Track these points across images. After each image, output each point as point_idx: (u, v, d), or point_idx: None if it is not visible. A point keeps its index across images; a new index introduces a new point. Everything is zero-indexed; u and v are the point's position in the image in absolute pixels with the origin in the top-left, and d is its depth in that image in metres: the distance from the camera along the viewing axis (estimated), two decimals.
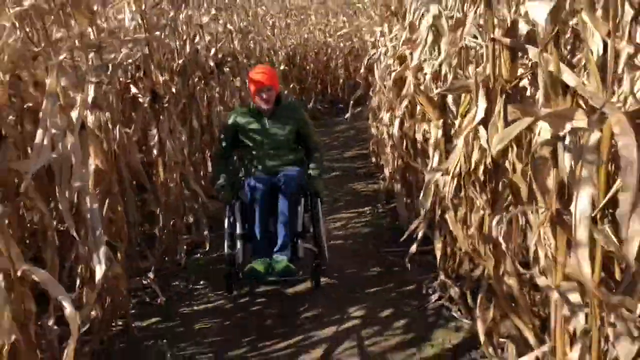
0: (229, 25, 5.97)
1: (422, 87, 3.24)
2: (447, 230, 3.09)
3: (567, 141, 1.46)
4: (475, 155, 2.41)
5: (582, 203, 1.32)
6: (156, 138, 3.61)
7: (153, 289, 3.39)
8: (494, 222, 1.79)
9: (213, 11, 5.58)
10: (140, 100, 3.59)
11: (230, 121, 3.56)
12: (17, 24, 2.28)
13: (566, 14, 1.82)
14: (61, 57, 2.34)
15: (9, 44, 2.22)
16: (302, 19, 11.34)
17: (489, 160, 2.20)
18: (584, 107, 1.53)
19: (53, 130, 2.22)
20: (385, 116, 4.60)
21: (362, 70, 6.55)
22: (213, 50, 5.32)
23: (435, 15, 2.96)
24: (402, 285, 3.43)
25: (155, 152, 3.71)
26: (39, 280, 1.71)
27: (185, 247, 3.95)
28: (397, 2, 4.43)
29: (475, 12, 2.31)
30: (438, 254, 3.16)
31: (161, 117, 3.62)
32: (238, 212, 3.42)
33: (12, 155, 2.08)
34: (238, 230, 3.38)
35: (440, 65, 2.92)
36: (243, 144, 3.56)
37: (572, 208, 1.34)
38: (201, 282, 3.63)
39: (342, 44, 11.13)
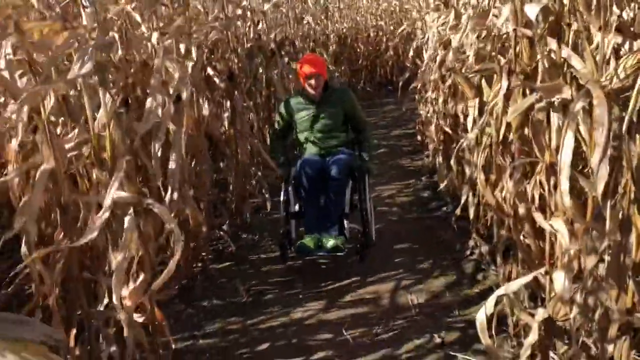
0: (287, 11, 6.51)
1: (462, 70, 3.69)
2: (480, 196, 3.56)
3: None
4: (503, 129, 2.87)
5: (566, 154, 1.80)
6: (229, 112, 4.19)
7: (226, 240, 3.99)
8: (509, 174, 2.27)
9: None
10: (216, 79, 4.18)
11: (283, 106, 3.86)
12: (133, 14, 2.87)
13: (568, 12, 2.24)
14: (167, 42, 2.93)
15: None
16: (354, 3, 11.74)
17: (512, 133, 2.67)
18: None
19: (158, 100, 2.80)
20: (430, 95, 5.06)
21: (411, 54, 6.98)
22: (273, 35, 5.87)
23: (474, 5, 3.42)
24: (439, 244, 3.93)
25: (226, 125, 4.30)
26: (157, 212, 2.30)
27: (250, 208, 4.54)
28: None
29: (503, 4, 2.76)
30: (471, 216, 3.63)
31: (235, 93, 4.20)
32: (292, 192, 3.71)
33: (132, 118, 2.67)
34: (292, 209, 3.69)
35: (473, 48, 3.35)
36: (296, 127, 3.85)
37: (558, 157, 1.81)
38: (265, 236, 4.22)
39: (392, 28, 11.48)
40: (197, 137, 3.32)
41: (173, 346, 2.54)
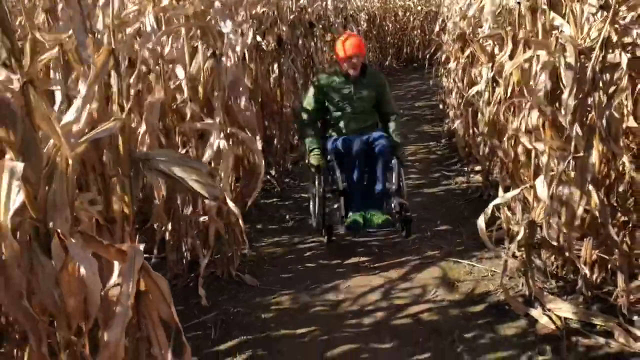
0: None
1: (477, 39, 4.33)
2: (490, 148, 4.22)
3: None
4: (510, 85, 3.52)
5: (541, 97, 2.46)
6: (277, 72, 4.89)
7: (272, 182, 4.72)
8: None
9: None
10: (264, 46, 4.86)
11: (316, 85, 3.79)
12: None
13: None
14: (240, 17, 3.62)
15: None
16: None
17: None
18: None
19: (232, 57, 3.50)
20: (452, 66, 5.69)
21: (436, 29, 7.58)
22: (310, 10, 6.53)
23: None
24: (452, 189, 4.61)
25: (272, 84, 5.00)
26: (242, 138, 3.02)
27: (291, 158, 5.26)
28: None
29: None
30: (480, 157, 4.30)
31: (282, 57, 4.89)
32: (337, 170, 3.60)
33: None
34: (340, 186, 3.57)
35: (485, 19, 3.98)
36: (330, 107, 3.78)
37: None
38: (304, 180, 4.93)
39: (420, 8, 12.02)
40: (254, 89, 4.03)
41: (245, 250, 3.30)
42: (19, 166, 1.29)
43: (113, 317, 1.50)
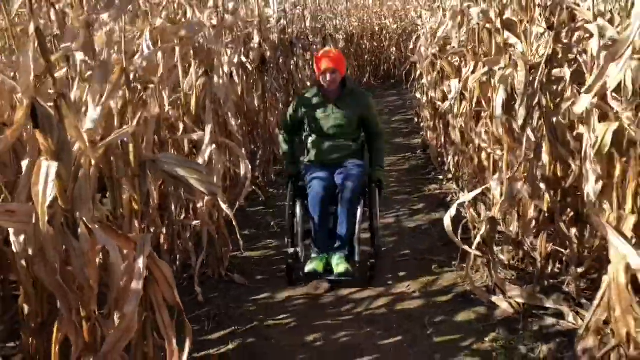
0: (302, 10, 7.52)
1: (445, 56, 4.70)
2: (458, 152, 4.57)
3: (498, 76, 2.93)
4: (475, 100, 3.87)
5: (498, 102, 2.80)
6: (260, 90, 5.20)
7: (257, 191, 4.99)
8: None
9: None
10: (248, 65, 5.18)
11: (297, 101, 3.67)
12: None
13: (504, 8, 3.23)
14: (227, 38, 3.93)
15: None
16: (361, 3, 12.76)
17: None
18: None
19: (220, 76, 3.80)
20: (425, 80, 6.06)
21: (410, 47, 7.98)
22: (291, 30, 6.89)
23: (454, 6, 4.42)
24: (426, 195, 4.94)
25: (256, 100, 5.31)
26: (230, 147, 3.31)
27: (274, 170, 5.55)
28: None
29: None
30: (451, 165, 4.64)
31: (265, 76, 5.21)
32: (300, 211, 3.50)
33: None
34: (299, 229, 3.45)
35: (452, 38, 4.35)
36: (306, 127, 3.64)
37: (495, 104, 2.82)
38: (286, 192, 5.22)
39: (395, 26, 12.49)
40: (241, 105, 4.34)
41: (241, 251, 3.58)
42: (54, 166, 1.57)
43: (128, 293, 1.77)
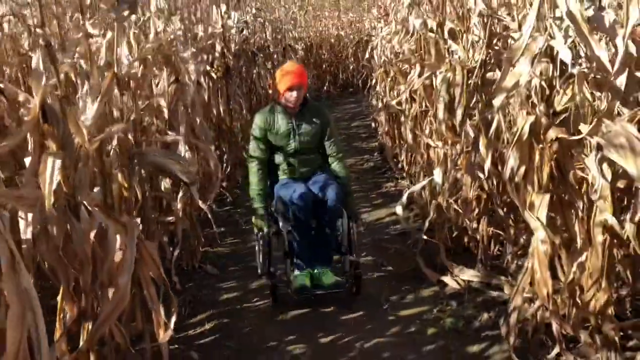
0: (264, 21, 7.86)
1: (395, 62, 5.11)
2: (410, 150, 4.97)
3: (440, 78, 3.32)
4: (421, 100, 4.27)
5: (441, 102, 3.19)
6: (225, 96, 5.49)
7: (224, 193, 5.27)
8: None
9: (254, 11, 7.46)
10: (212, 74, 5.46)
11: (259, 123, 3.42)
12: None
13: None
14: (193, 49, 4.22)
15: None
16: (319, 15, 13.20)
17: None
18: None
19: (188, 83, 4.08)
20: (379, 87, 6.47)
21: (366, 56, 8.41)
22: (252, 40, 7.21)
23: (404, 16, 4.83)
24: (382, 192, 5.32)
25: (222, 107, 5.60)
26: (201, 148, 3.60)
27: (241, 173, 5.84)
28: (387, 4, 6.30)
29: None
30: (404, 164, 5.03)
31: (229, 84, 5.51)
32: (283, 230, 3.27)
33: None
34: (285, 247, 3.28)
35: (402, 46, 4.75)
36: (271, 147, 3.46)
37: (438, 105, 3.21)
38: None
39: (352, 37, 12.95)
40: (208, 111, 4.62)
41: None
42: (60, 156, 1.84)
43: (122, 267, 2.05)
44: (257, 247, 3.53)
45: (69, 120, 1.90)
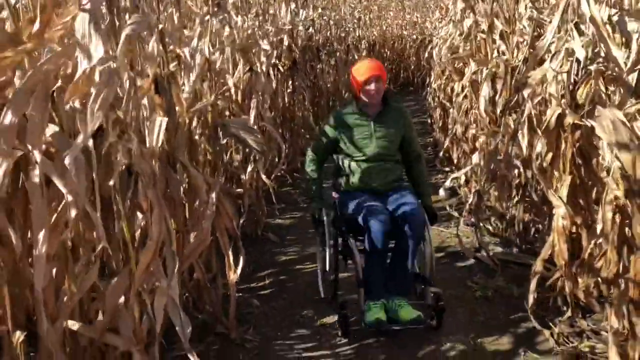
0: (328, 19, 8.34)
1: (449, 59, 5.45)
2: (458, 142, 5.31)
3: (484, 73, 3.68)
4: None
5: (483, 94, 3.55)
6: (291, 88, 6.00)
7: (285, 175, 5.78)
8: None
9: (320, 10, 7.96)
10: (280, 67, 5.98)
11: (333, 119, 3.17)
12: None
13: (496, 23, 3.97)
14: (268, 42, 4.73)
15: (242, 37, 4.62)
16: (383, 14, 13.59)
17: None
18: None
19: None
20: (435, 85, 6.81)
21: (426, 55, 8.75)
22: (317, 37, 7.70)
23: (459, 18, 5.17)
24: (432, 181, 5.68)
25: (287, 99, 6.11)
26: (268, 130, 4.09)
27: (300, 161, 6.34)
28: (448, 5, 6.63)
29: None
30: (455, 158, 5.38)
31: (295, 76, 6.02)
32: (354, 252, 2.92)
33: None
34: (359, 274, 2.90)
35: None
36: (342, 150, 3.14)
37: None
38: None
39: (415, 37, 13.26)
40: (273, 101, 5.15)
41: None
42: (165, 120, 2.36)
43: (205, 215, 2.56)
44: (319, 266, 3.32)
45: (173, 92, 2.41)
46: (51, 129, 1.58)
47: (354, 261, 2.94)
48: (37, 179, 1.46)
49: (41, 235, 1.44)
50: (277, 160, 4.67)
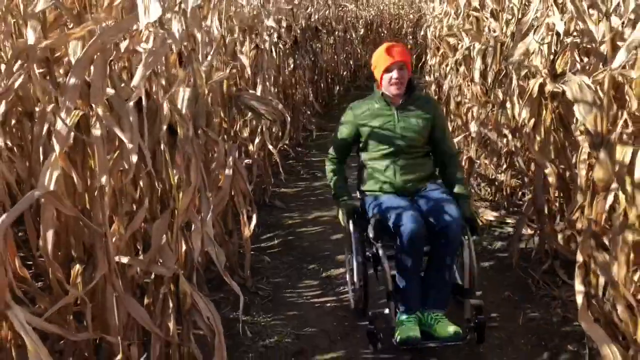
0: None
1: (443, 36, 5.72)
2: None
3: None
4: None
5: (477, 72, 3.84)
6: (292, 66, 6.27)
7: (288, 150, 6.08)
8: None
9: None
10: (281, 46, 6.24)
11: (349, 115, 2.87)
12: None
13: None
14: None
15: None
16: None
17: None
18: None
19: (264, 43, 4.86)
20: (430, 62, 7.08)
21: (421, 33, 9.00)
22: (316, 17, 7.94)
23: None
24: None
25: (287, 72, 6.37)
26: (279, 108, 4.39)
27: (302, 135, 6.64)
28: None
29: None
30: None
31: (296, 53, 6.28)
32: (383, 260, 2.57)
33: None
34: (389, 286, 2.56)
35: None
36: (364, 146, 2.87)
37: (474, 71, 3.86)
38: (312, 152, 6.29)
39: (411, 16, 13.48)
40: (275, 77, 5.43)
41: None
42: (188, 90, 2.65)
43: (225, 176, 2.86)
44: (347, 274, 3.10)
45: (194, 66, 2.70)
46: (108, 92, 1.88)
47: (382, 270, 2.60)
48: (99, 132, 1.76)
49: (104, 179, 1.75)
50: (280, 134, 4.96)
